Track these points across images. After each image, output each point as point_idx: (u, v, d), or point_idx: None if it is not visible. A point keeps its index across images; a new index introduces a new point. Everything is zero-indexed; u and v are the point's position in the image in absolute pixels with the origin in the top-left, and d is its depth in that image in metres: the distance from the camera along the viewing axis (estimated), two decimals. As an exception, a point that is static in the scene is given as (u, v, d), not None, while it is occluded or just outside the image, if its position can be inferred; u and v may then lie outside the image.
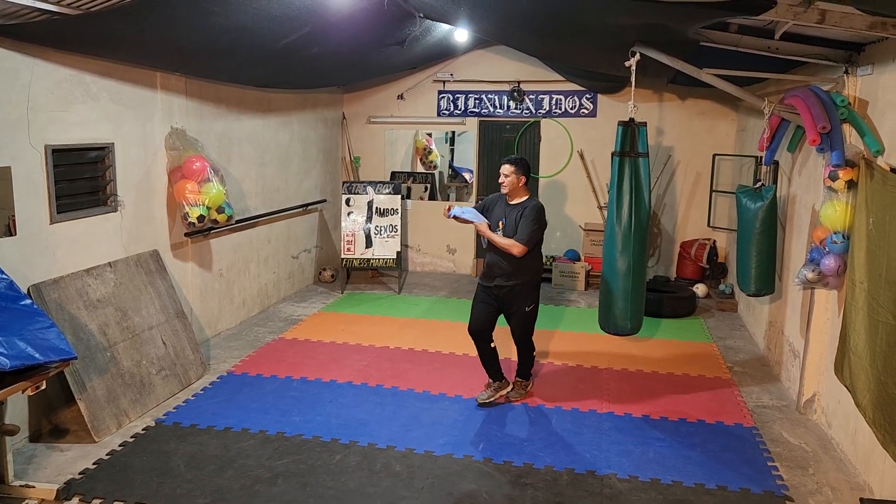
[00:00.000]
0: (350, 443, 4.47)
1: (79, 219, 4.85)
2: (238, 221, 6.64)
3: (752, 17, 3.74)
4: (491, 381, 5.13)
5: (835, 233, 4.32)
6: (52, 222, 4.59)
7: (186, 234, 6.00)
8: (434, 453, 4.35)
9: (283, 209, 7.82)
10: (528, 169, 4.90)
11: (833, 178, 4.22)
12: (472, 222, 4.87)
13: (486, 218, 4.89)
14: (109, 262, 5.10)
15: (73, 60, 4.69)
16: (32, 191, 4.42)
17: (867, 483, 3.93)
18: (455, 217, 4.86)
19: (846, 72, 4.55)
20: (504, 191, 4.87)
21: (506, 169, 4.82)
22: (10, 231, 4.26)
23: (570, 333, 6.82)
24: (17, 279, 3.96)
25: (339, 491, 3.91)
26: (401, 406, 5.07)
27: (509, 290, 4.83)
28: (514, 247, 4.67)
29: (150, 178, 5.60)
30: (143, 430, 4.61)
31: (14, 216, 4.27)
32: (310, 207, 8.53)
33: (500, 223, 4.83)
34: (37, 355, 3.53)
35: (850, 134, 4.39)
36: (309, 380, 5.53)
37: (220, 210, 5.84)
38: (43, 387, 3.60)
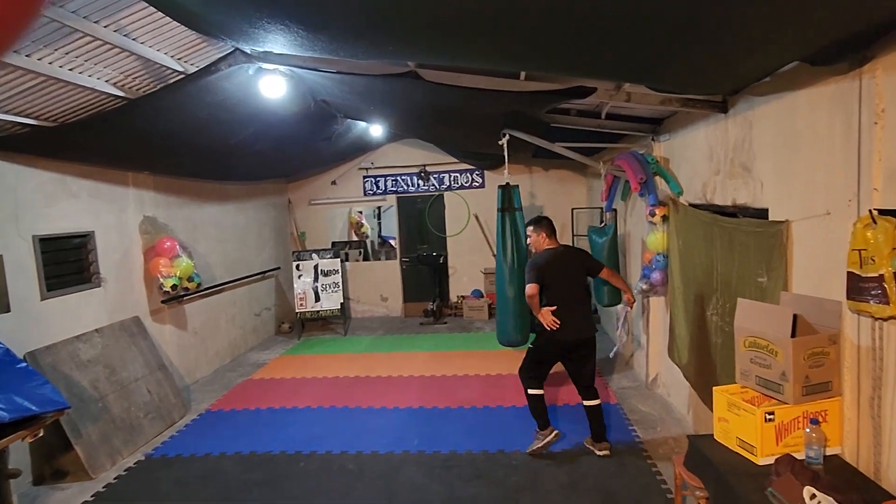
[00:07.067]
0: (311, 453, 4.34)
1: (67, 295, 4.61)
2: (207, 288, 6.45)
3: (581, 101, 4.08)
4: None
5: (658, 254, 4.64)
6: (42, 299, 4.35)
7: (163, 302, 5.77)
8: (379, 452, 4.30)
9: (245, 276, 7.65)
10: (539, 223, 4.08)
11: (652, 214, 4.56)
12: None
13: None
14: (97, 329, 4.85)
15: (54, 165, 4.55)
16: (23, 274, 4.20)
17: (697, 432, 4.14)
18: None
19: (653, 139, 5.00)
20: (533, 250, 4.22)
21: (528, 230, 4.19)
22: (6, 308, 4.02)
23: (479, 351, 6.91)
24: (14, 348, 3.71)
25: (303, 490, 3.79)
26: (351, 420, 4.98)
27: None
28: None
29: (128, 257, 5.40)
30: (134, 464, 4.33)
31: (7, 296, 4.04)
32: (267, 274, 8.37)
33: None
34: (33, 407, 3.30)
35: (660, 183, 4.80)
36: (275, 409, 5.34)
37: (190, 279, 5.68)
38: (41, 434, 3.35)
